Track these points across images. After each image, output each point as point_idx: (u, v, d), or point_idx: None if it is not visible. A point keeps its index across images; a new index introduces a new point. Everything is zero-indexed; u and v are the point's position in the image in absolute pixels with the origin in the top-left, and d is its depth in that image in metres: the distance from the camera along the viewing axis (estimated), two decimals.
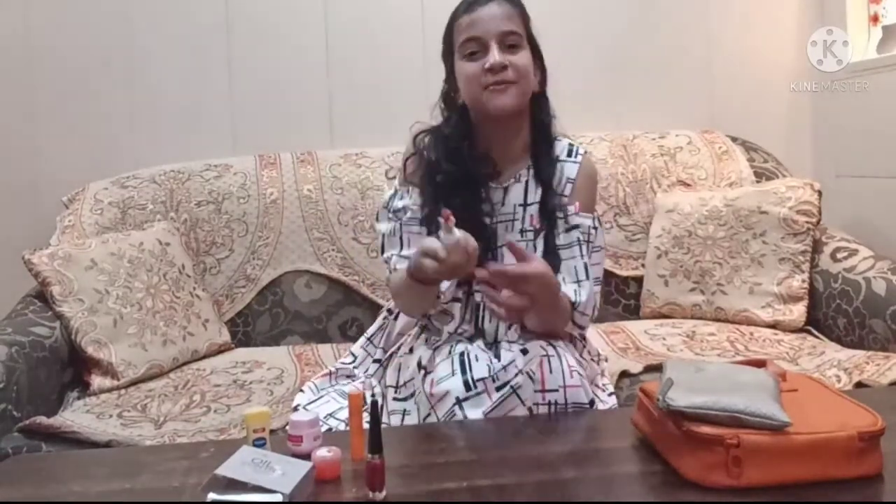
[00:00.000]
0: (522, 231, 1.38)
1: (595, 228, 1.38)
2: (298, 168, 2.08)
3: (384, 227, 1.40)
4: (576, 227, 1.36)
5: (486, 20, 1.31)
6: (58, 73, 2.20)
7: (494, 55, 1.29)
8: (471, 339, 1.38)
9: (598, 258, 1.38)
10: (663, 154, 2.14)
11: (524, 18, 1.36)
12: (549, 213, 1.36)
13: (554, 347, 1.26)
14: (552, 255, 1.34)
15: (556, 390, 1.22)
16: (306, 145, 2.17)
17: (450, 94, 1.40)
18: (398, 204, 1.39)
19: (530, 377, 1.22)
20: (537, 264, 1.22)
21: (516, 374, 1.23)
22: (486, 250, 1.31)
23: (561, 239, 1.36)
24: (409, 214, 1.37)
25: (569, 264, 1.35)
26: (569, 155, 1.41)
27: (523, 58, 1.33)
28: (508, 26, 1.32)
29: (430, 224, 1.34)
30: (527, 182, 1.38)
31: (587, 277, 1.34)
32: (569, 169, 1.39)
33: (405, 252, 1.35)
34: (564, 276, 1.33)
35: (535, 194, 1.37)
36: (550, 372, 1.22)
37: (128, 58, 2.21)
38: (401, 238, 1.37)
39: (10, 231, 2.15)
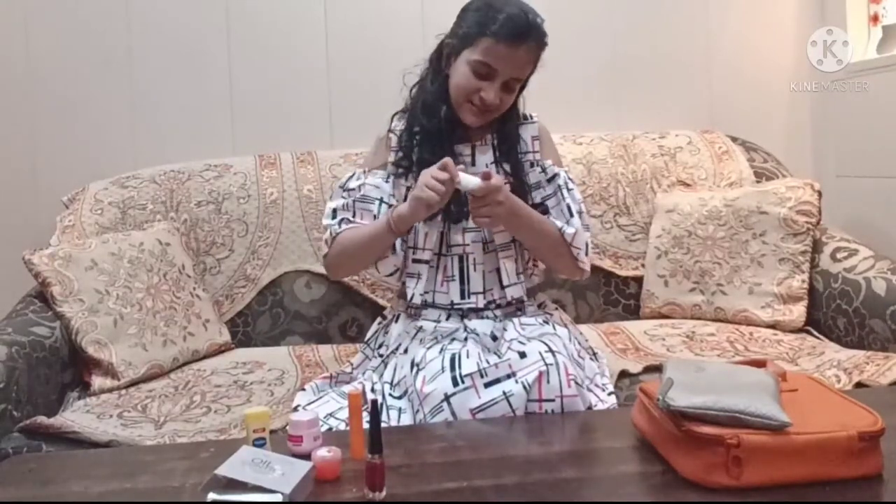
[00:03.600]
0: None
1: (570, 180, 1.53)
2: (298, 168, 2.08)
3: (336, 203, 1.52)
4: (556, 175, 1.52)
5: (506, 62, 1.41)
6: (58, 72, 2.20)
7: (491, 94, 1.43)
8: (466, 339, 1.39)
9: (582, 207, 1.52)
10: (663, 154, 2.14)
11: (538, 59, 1.47)
12: (517, 166, 1.51)
13: (553, 354, 1.26)
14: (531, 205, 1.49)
15: (553, 400, 1.22)
16: (306, 145, 2.17)
17: (442, 56, 1.50)
18: (353, 184, 1.52)
19: (525, 388, 1.22)
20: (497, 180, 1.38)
21: (508, 376, 1.23)
22: (459, 204, 1.46)
23: (547, 189, 1.52)
24: (362, 192, 1.50)
25: (557, 209, 1.51)
26: (524, 119, 1.58)
27: (512, 97, 1.48)
28: (520, 73, 1.45)
29: (404, 166, 1.50)
30: (494, 145, 1.54)
31: (572, 214, 1.49)
32: (530, 129, 1.57)
33: (357, 221, 1.49)
34: (556, 220, 1.49)
35: (505, 154, 1.53)
36: (548, 382, 1.22)
37: (128, 58, 2.21)
38: (354, 211, 1.50)
39: (10, 231, 2.16)
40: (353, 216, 1.50)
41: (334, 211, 1.52)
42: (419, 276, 1.48)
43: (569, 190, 1.52)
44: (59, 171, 2.18)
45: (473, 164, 1.52)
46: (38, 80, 2.19)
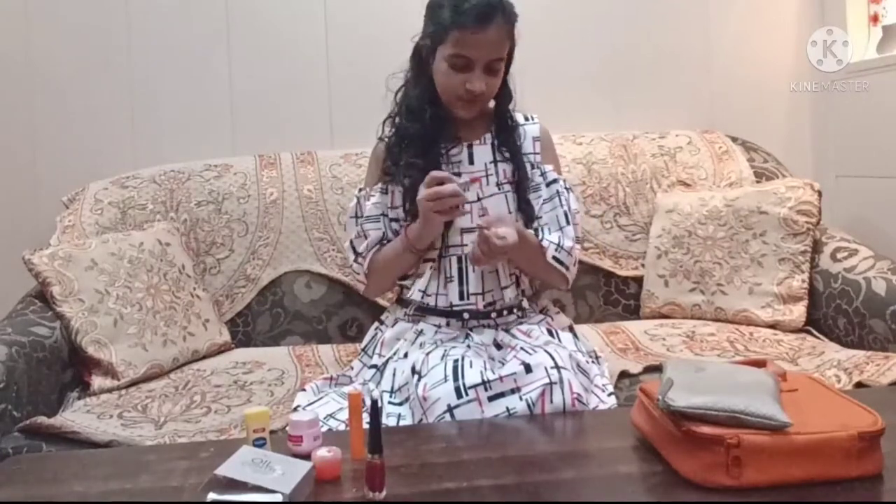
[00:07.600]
0: (499, 184, 1.52)
1: (568, 190, 1.54)
2: (298, 168, 2.08)
3: (351, 234, 1.57)
4: (555, 181, 1.53)
5: (479, 47, 1.40)
6: (58, 72, 2.19)
7: (476, 83, 1.42)
8: (468, 346, 1.38)
9: (577, 219, 1.54)
10: (663, 154, 2.14)
11: (512, 35, 1.45)
12: (520, 168, 1.51)
13: (559, 370, 1.25)
14: (526, 205, 1.52)
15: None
16: (306, 145, 2.17)
17: (423, 57, 1.49)
18: (358, 211, 1.55)
19: (529, 405, 1.21)
20: (511, 239, 1.35)
21: (513, 391, 1.22)
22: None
23: (544, 193, 1.52)
24: (365, 214, 1.53)
25: (552, 215, 1.51)
26: (525, 120, 1.59)
27: (498, 79, 1.46)
28: (497, 54, 1.42)
29: (392, 172, 1.51)
30: (493, 143, 1.54)
31: (568, 223, 1.50)
32: (531, 129, 1.57)
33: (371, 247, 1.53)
34: (549, 226, 1.51)
35: (504, 153, 1.53)
36: (552, 402, 1.22)
37: (128, 58, 2.21)
38: (364, 236, 1.53)
39: (10, 231, 2.16)
40: (366, 240, 1.53)
41: (353, 246, 1.55)
42: (421, 275, 1.50)
43: (566, 198, 1.52)
44: (59, 171, 2.18)
45: (472, 162, 1.52)
46: (38, 80, 2.19)
